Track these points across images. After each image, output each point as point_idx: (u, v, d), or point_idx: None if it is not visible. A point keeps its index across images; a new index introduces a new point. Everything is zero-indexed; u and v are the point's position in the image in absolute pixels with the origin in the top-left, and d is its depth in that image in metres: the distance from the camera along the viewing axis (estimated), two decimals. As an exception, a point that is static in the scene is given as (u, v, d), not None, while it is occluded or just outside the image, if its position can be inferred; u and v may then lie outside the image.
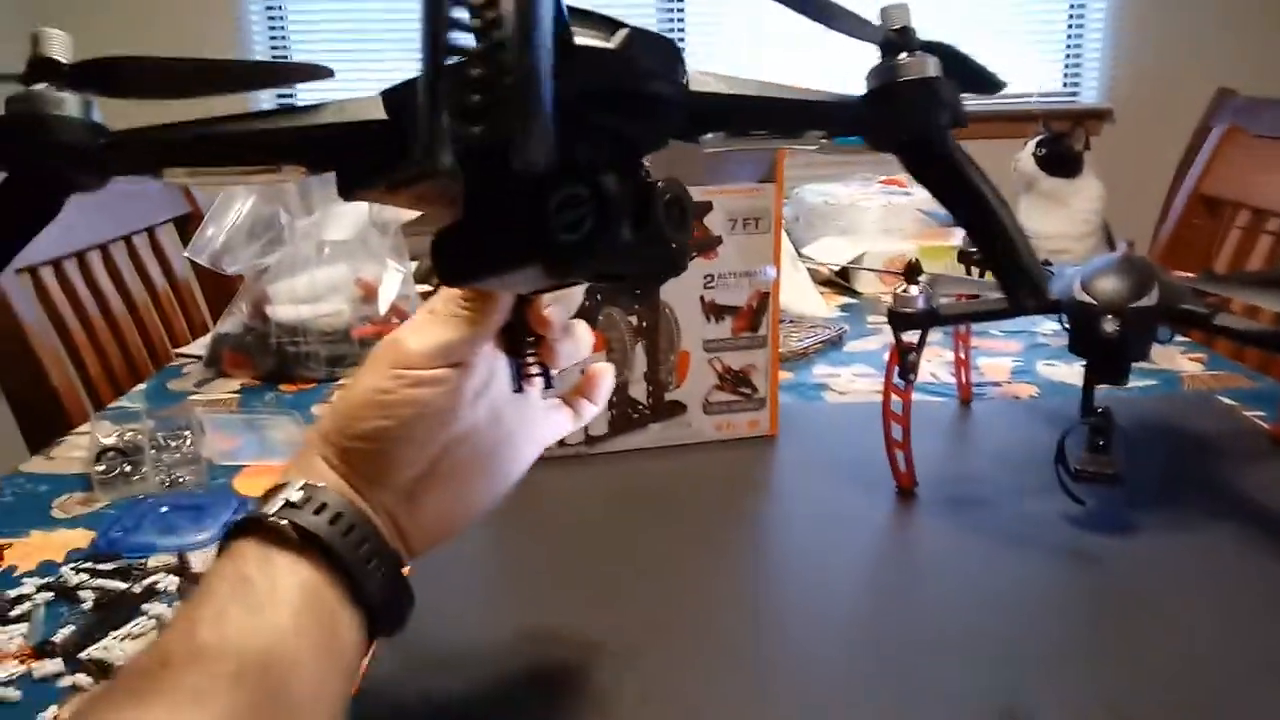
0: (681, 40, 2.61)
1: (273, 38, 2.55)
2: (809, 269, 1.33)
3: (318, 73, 0.37)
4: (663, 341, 0.76)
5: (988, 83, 0.38)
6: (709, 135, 0.37)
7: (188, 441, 0.78)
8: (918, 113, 0.34)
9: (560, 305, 0.42)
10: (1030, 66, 2.64)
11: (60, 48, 0.34)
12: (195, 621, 0.34)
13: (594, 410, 0.48)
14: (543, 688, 0.49)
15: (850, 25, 0.36)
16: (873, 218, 1.42)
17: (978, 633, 0.53)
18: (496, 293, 0.40)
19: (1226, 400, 0.86)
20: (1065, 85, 2.65)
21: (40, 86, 0.33)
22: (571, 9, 0.30)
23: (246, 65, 0.38)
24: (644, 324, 0.76)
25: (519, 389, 0.43)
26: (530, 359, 0.43)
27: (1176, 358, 0.99)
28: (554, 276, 0.34)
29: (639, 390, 0.77)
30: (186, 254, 1.04)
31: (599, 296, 0.74)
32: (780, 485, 0.74)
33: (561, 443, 0.76)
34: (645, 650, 0.51)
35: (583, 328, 0.45)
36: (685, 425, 0.79)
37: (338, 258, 1.02)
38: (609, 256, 0.34)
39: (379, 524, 0.39)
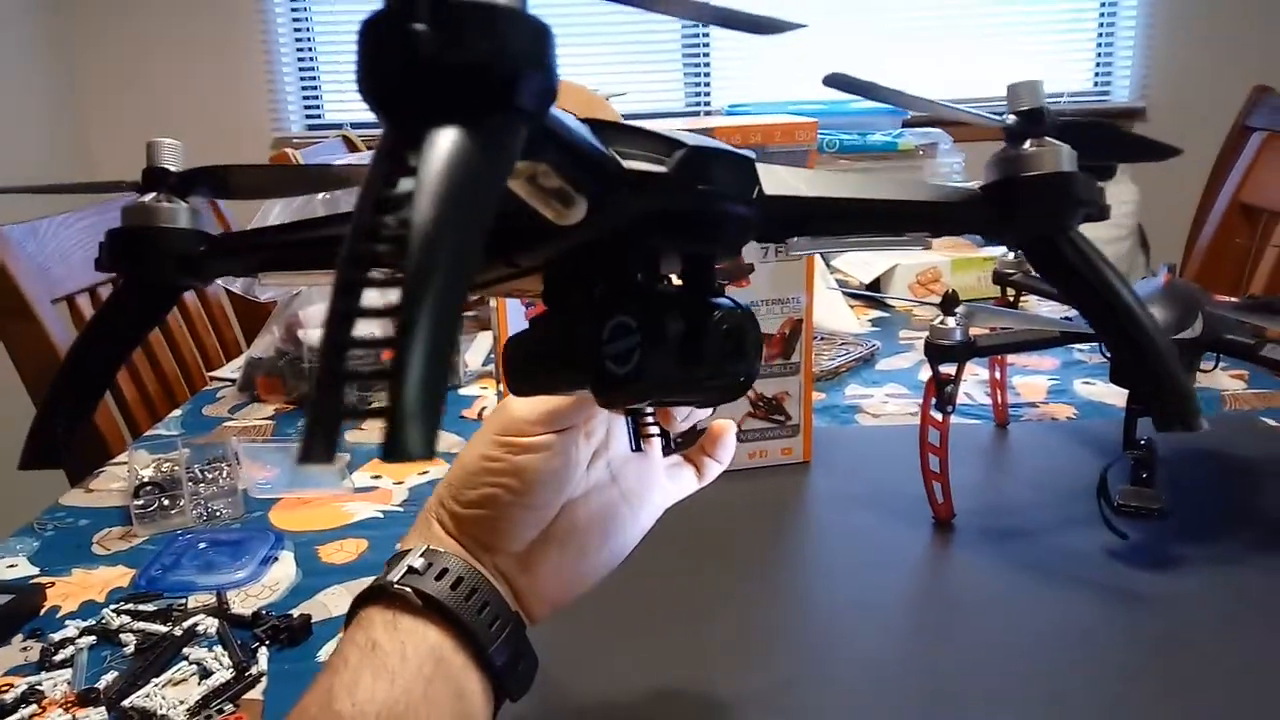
0: (707, 70, 2.59)
1: (298, 38, 2.56)
2: (838, 280, 1.33)
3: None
4: (695, 370, 0.76)
5: (1154, 151, 0.35)
6: (795, 239, 0.36)
7: (224, 473, 0.79)
8: (1045, 213, 0.31)
9: None
10: (1060, 66, 2.60)
11: (171, 156, 0.37)
12: (331, 690, 0.34)
13: (719, 468, 0.47)
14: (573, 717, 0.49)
15: (958, 116, 0.34)
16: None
17: (1017, 672, 0.52)
18: None
19: (1270, 421, 0.85)
20: (1095, 85, 2.61)
21: (150, 197, 0.36)
22: (626, 127, 0.29)
23: (327, 171, 0.40)
24: (676, 353, 0.75)
25: (637, 448, 0.42)
26: (648, 418, 0.42)
27: (1218, 375, 0.97)
28: (605, 406, 0.34)
29: (671, 419, 0.76)
30: (219, 281, 1.05)
31: (631, 326, 0.73)
32: (815, 515, 0.73)
33: (594, 472, 0.76)
34: (678, 684, 0.51)
35: None
36: (718, 453, 0.78)
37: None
38: (660, 388, 0.33)
39: (498, 588, 0.39)
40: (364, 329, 0.19)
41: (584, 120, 0.28)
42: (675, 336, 0.32)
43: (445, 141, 0.20)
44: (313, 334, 1.00)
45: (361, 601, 0.38)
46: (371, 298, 0.19)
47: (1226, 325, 0.62)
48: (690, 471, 0.46)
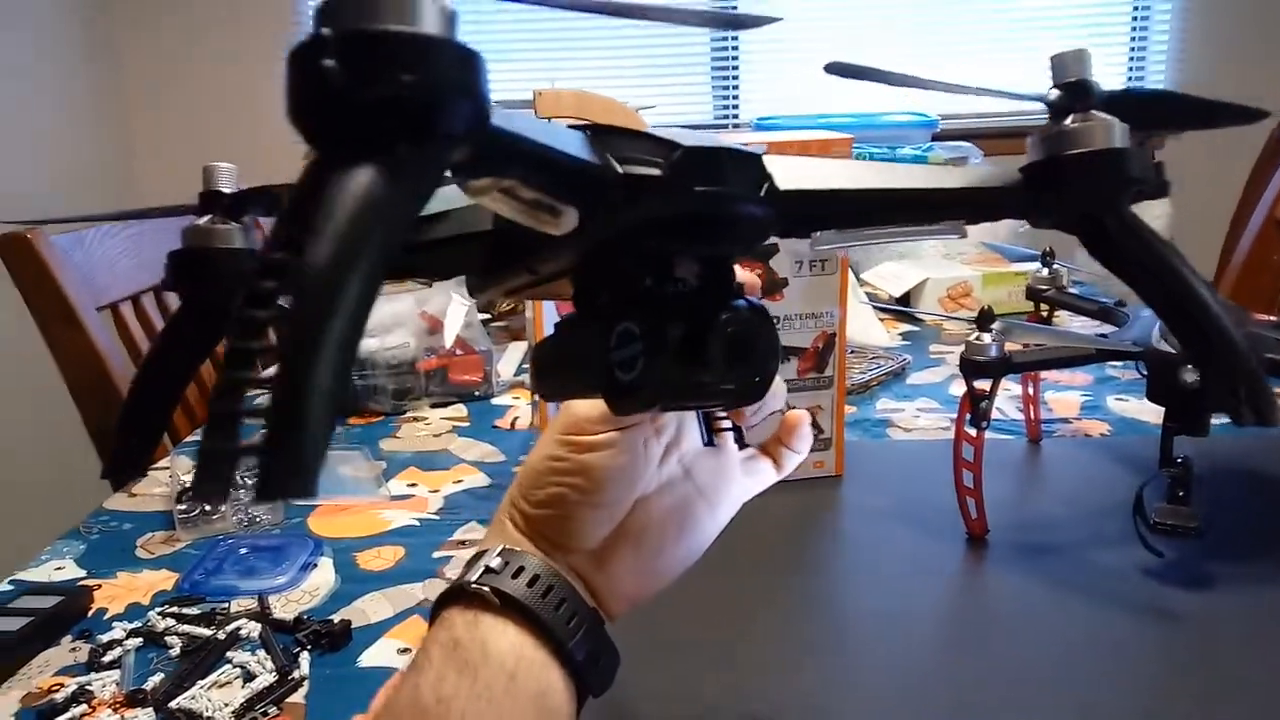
0: (735, 75, 2.60)
1: None
2: (868, 294, 1.33)
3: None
4: (728, 383, 0.76)
5: (1233, 115, 0.33)
6: (819, 234, 0.34)
7: (263, 479, 0.80)
8: (1093, 192, 0.29)
9: None
10: (1092, 69, 2.58)
11: (226, 179, 0.38)
12: (417, 687, 0.35)
13: (797, 459, 0.46)
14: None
15: (992, 95, 0.32)
16: (934, 243, 1.40)
17: (1049, 687, 0.52)
18: None
19: (1308, 440, 0.84)
20: (1130, 77, 2.59)
21: (206, 220, 0.37)
22: (622, 131, 0.28)
23: None
24: (709, 366, 0.76)
25: (710, 443, 0.42)
26: (719, 412, 0.42)
27: (1254, 392, 0.96)
28: (616, 412, 0.34)
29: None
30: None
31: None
32: (847, 530, 0.73)
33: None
34: (709, 693, 0.51)
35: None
36: (750, 466, 0.79)
37: (403, 291, 1.04)
38: (666, 394, 0.33)
39: (575, 585, 0.40)
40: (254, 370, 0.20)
41: (578, 127, 0.28)
42: (675, 341, 0.32)
43: (352, 175, 0.20)
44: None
45: (443, 602, 0.39)
46: (262, 336, 0.20)
47: (1267, 345, 0.62)
48: (768, 464, 0.46)
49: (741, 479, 0.44)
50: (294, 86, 0.21)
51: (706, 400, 0.35)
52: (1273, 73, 2.21)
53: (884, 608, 0.61)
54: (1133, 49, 2.58)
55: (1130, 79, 2.59)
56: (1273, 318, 0.66)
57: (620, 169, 0.28)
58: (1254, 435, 0.86)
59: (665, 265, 0.33)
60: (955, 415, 0.67)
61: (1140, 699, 0.51)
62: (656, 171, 0.28)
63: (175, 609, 0.62)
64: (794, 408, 0.47)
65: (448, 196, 0.34)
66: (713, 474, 0.43)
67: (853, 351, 1.10)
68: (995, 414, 0.92)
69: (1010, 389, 0.97)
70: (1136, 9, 2.55)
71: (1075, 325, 1.07)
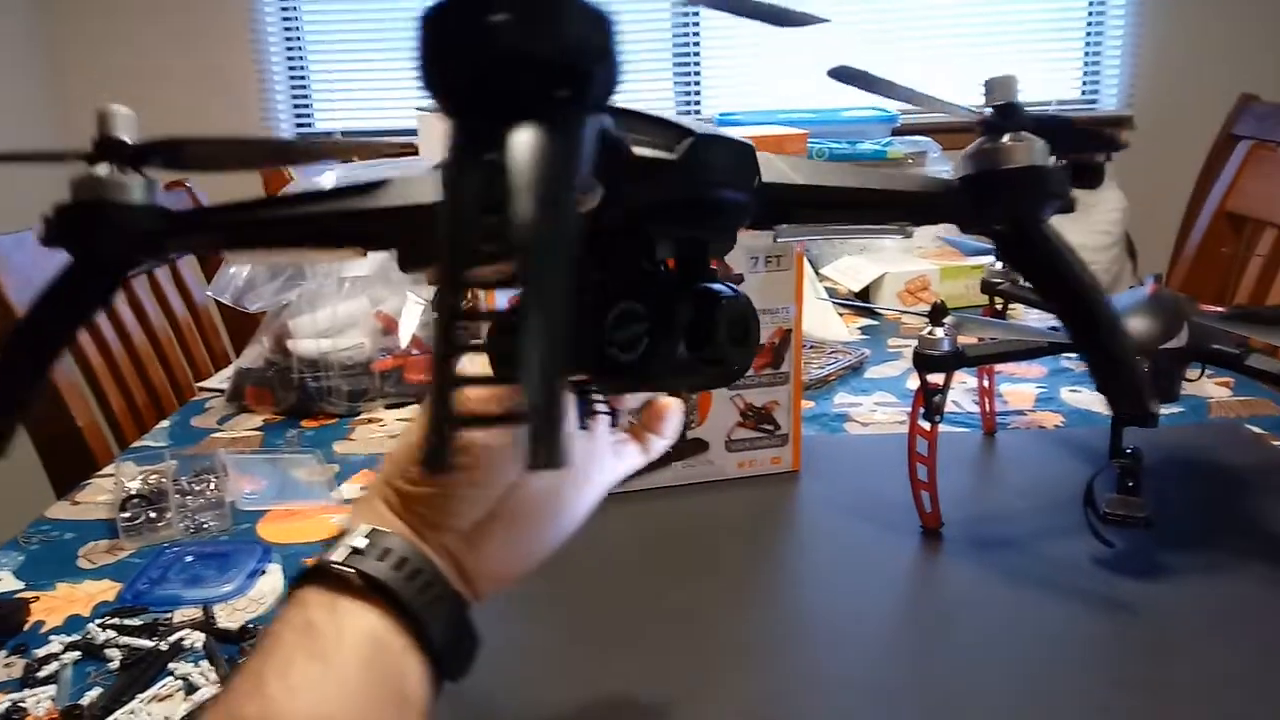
0: (698, 76, 2.60)
1: (288, 36, 2.55)
2: (827, 288, 1.33)
3: (368, 150, 0.39)
4: (684, 380, 0.76)
5: (1104, 144, 0.36)
6: (783, 225, 0.36)
7: (212, 485, 0.78)
8: (1019, 203, 0.32)
9: None
10: (1047, 74, 2.61)
11: (125, 127, 0.34)
12: (262, 675, 0.34)
13: (663, 445, 0.47)
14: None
15: (941, 108, 0.35)
16: (893, 238, 1.41)
17: (1004, 678, 0.52)
18: None
19: (1255, 429, 0.85)
20: (1084, 93, 2.63)
21: (103, 169, 0.33)
22: (636, 113, 0.29)
23: (292, 145, 0.38)
24: (665, 363, 0.75)
25: (583, 426, 0.42)
26: (594, 396, 0.41)
27: (1204, 383, 0.98)
28: (606, 391, 0.34)
29: (661, 429, 0.77)
30: (209, 292, 1.04)
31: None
32: (804, 524, 0.73)
33: (583, 483, 0.76)
34: (665, 695, 0.51)
35: None
36: (707, 463, 0.78)
37: (358, 291, 1.02)
38: (663, 376, 0.33)
39: (443, 567, 0.39)
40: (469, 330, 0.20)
41: None
42: (684, 324, 0.33)
43: (529, 139, 0.19)
44: (302, 344, 1.00)
45: (299, 582, 0.37)
46: (478, 299, 0.20)
47: (1213, 335, 0.62)
48: (635, 448, 0.46)
49: (611, 462, 0.45)
50: (443, 44, 0.20)
51: (694, 381, 0.36)
52: (1220, 83, 2.25)
53: (839, 602, 0.61)
54: (1087, 59, 2.62)
55: (1085, 90, 2.63)
56: (1220, 309, 0.67)
57: (635, 150, 0.28)
58: (1200, 428, 0.88)
59: (650, 248, 0.33)
60: (911, 409, 0.67)
61: (1093, 687, 0.51)
62: (671, 156, 0.29)
63: (116, 620, 0.60)
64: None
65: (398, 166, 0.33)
66: (583, 456, 0.43)
67: (811, 346, 1.10)
68: (951, 406, 0.93)
69: (966, 381, 0.98)
70: (1090, 21, 2.59)
71: (1031, 318, 1.08)
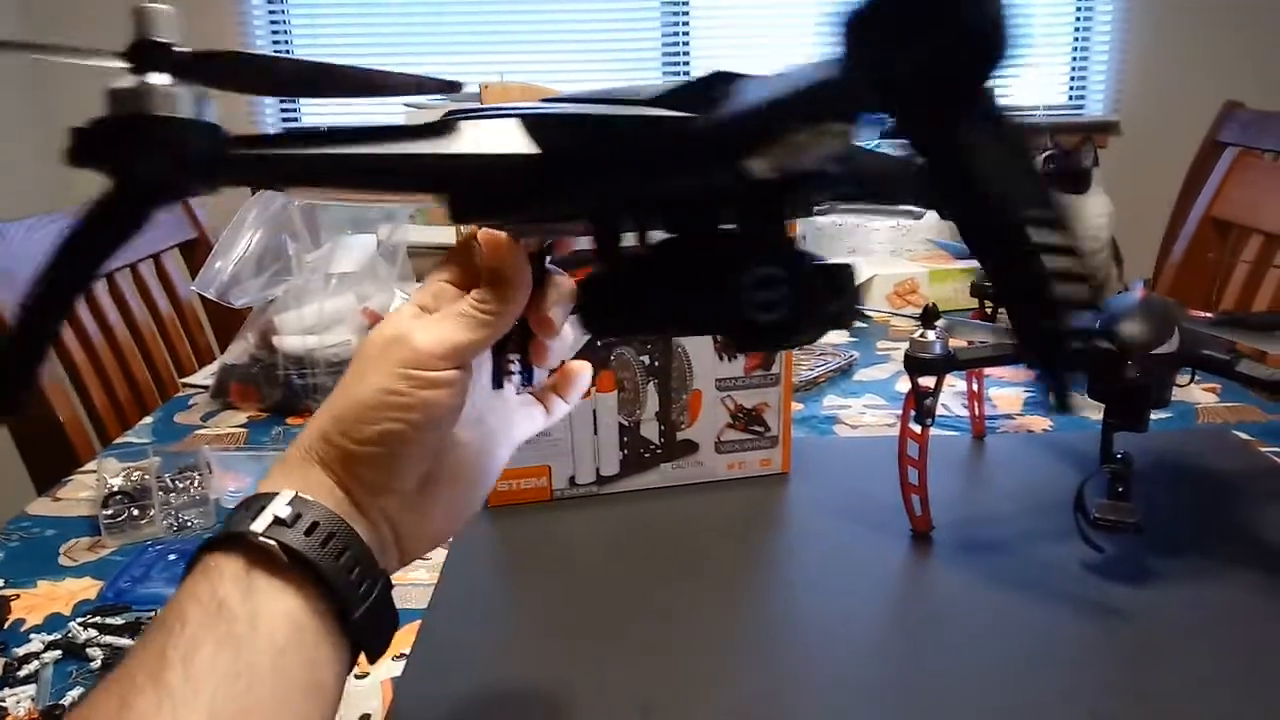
0: (687, 63, 2.59)
1: (273, 21, 2.53)
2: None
3: (426, 86, 0.37)
4: (675, 380, 0.76)
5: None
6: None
7: (195, 482, 0.77)
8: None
9: (562, 305, 0.41)
10: (1035, 79, 2.62)
11: (168, 28, 0.30)
12: (164, 655, 0.31)
13: (566, 408, 0.47)
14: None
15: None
16: (881, 239, 1.41)
17: (994, 684, 0.52)
18: (522, 299, 0.38)
19: (1242, 435, 0.85)
20: (1070, 99, 2.64)
21: (150, 79, 0.29)
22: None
23: (364, 75, 0.36)
24: (656, 363, 0.75)
25: (499, 385, 0.42)
26: (512, 356, 0.41)
27: (1192, 389, 0.98)
28: (741, 351, 0.35)
29: (650, 430, 0.76)
30: (194, 287, 1.03)
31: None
32: (793, 526, 0.73)
33: (572, 482, 0.75)
34: (653, 696, 0.50)
35: (571, 326, 0.44)
36: (697, 464, 0.78)
37: (345, 288, 1.01)
38: (799, 334, 0.34)
39: (374, 539, 0.37)
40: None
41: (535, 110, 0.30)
42: (821, 282, 0.33)
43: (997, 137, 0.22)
44: (288, 341, 0.99)
45: (211, 547, 0.34)
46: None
47: (1202, 341, 0.62)
48: (539, 410, 0.46)
49: (519, 422, 0.45)
50: (899, 30, 0.20)
51: (815, 335, 0.37)
52: (1205, 90, 2.27)
53: (829, 603, 0.61)
54: (1074, 65, 2.63)
55: (1072, 96, 2.64)
56: (1208, 314, 0.67)
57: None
58: (1189, 432, 0.88)
59: (778, 214, 0.34)
60: (901, 412, 0.67)
61: (1083, 693, 0.51)
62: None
63: (98, 619, 0.59)
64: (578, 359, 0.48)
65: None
66: (498, 416, 0.43)
67: (800, 349, 1.10)
68: (941, 410, 0.93)
69: (955, 385, 0.98)
70: (1078, 28, 2.61)
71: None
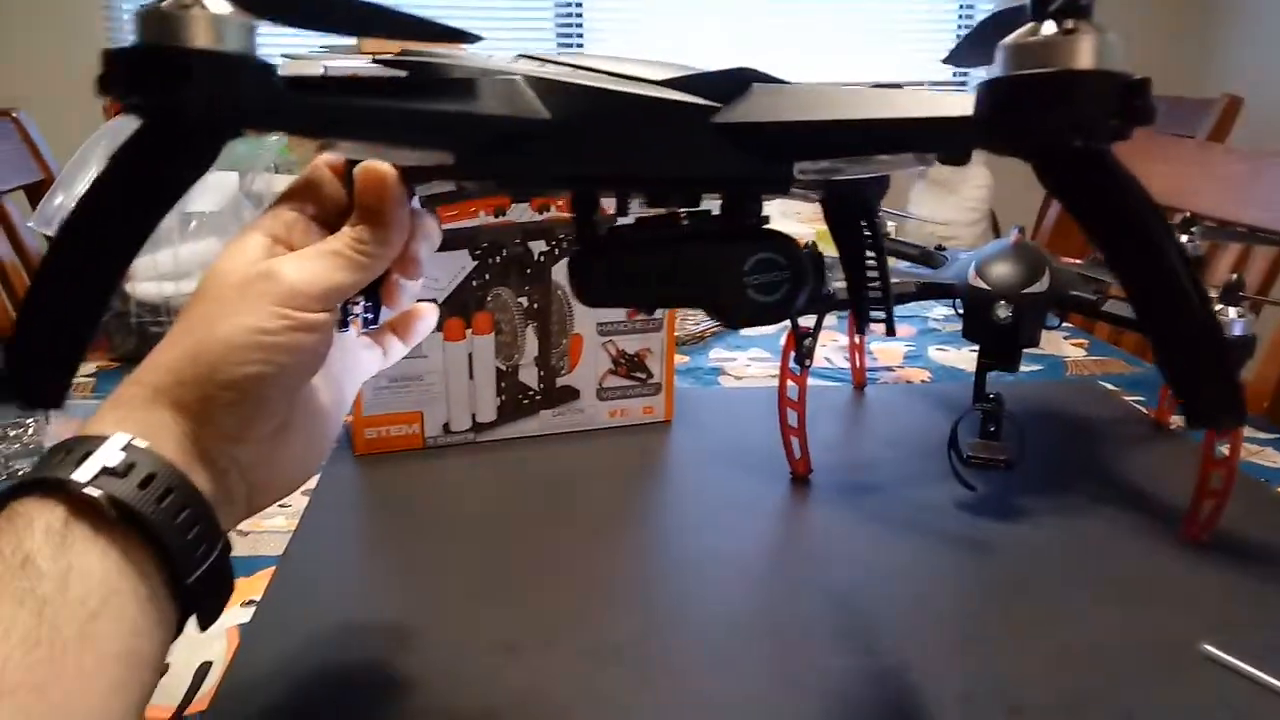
0: (580, 38, 2.56)
1: None
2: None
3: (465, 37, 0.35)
4: (555, 324, 0.73)
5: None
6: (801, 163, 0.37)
7: (29, 430, 0.71)
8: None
9: (428, 245, 0.39)
10: (922, 57, 2.68)
11: None
12: None
13: (403, 350, 0.45)
14: (421, 684, 0.45)
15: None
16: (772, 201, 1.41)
17: (869, 616, 0.52)
18: (399, 242, 0.37)
19: (1108, 385, 0.88)
20: (955, 74, 2.71)
21: (188, 2, 0.26)
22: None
23: (409, 18, 0.33)
24: (535, 306, 0.72)
25: (345, 327, 0.40)
26: (356, 297, 0.39)
27: (1061, 344, 1.01)
28: (731, 326, 0.37)
29: (529, 375, 0.73)
30: (31, 224, 0.95)
31: (487, 276, 0.70)
32: (675, 473, 0.72)
33: (447, 429, 0.72)
34: (530, 643, 0.48)
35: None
36: (578, 411, 0.76)
37: (205, 232, 0.95)
38: (803, 309, 0.38)
39: (220, 491, 0.34)
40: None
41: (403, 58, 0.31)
42: (814, 266, 0.35)
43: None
44: (141, 287, 0.92)
45: (22, 490, 0.30)
46: None
47: (1072, 282, 0.63)
48: (377, 352, 0.44)
49: (361, 364, 0.43)
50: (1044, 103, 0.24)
51: (808, 311, 0.42)
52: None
53: (706, 546, 0.60)
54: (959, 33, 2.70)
55: (956, 73, 2.71)
56: (1078, 260, 0.68)
57: None
58: (1059, 383, 0.91)
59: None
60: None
61: (956, 626, 0.52)
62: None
63: None
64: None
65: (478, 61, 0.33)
66: (341, 359, 0.41)
67: (688, 303, 1.09)
68: (823, 363, 0.93)
69: (839, 340, 0.98)
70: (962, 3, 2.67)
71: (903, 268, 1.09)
